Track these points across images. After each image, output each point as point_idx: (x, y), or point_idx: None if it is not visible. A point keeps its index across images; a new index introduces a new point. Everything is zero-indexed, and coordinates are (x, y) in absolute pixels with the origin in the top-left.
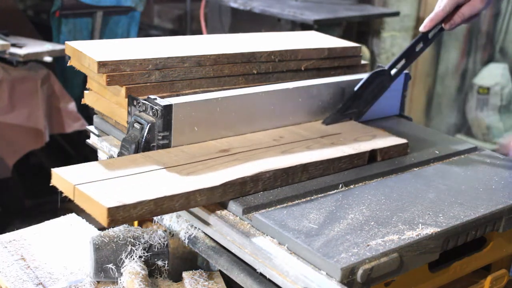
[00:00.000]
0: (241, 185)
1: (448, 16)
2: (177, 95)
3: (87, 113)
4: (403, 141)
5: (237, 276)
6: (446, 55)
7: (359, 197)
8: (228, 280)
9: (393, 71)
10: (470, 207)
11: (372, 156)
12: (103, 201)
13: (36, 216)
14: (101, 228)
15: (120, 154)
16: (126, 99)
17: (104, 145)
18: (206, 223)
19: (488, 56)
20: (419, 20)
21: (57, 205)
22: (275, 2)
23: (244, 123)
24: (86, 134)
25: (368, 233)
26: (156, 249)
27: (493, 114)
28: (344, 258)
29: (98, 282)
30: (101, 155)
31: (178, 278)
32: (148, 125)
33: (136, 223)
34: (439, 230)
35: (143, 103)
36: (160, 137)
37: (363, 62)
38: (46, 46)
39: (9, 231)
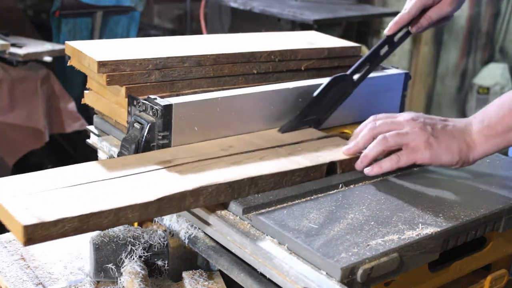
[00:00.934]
0: (179, 200)
1: (414, 19)
2: (177, 95)
3: (87, 113)
4: None
5: (237, 276)
6: (446, 55)
7: (359, 197)
8: (228, 280)
9: (355, 76)
10: (470, 207)
11: (331, 168)
12: (20, 217)
13: None
14: None
15: (120, 154)
16: (126, 99)
17: (104, 145)
18: (206, 223)
19: (488, 56)
20: None
21: None
22: (275, 2)
23: (244, 123)
24: (86, 134)
25: (368, 233)
26: (156, 249)
27: None
28: (344, 258)
29: (98, 282)
30: (101, 155)
31: (178, 278)
32: (148, 125)
33: (136, 223)
34: (439, 230)
35: (143, 103)
36: (160, 137)
37: None
38: (46, 46)
39: (9, 231)
